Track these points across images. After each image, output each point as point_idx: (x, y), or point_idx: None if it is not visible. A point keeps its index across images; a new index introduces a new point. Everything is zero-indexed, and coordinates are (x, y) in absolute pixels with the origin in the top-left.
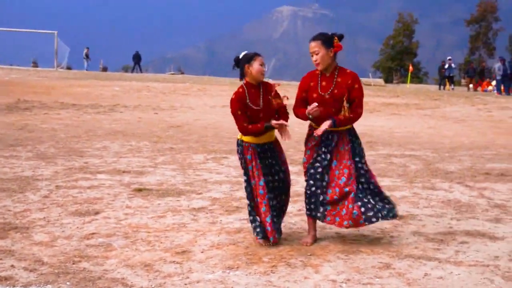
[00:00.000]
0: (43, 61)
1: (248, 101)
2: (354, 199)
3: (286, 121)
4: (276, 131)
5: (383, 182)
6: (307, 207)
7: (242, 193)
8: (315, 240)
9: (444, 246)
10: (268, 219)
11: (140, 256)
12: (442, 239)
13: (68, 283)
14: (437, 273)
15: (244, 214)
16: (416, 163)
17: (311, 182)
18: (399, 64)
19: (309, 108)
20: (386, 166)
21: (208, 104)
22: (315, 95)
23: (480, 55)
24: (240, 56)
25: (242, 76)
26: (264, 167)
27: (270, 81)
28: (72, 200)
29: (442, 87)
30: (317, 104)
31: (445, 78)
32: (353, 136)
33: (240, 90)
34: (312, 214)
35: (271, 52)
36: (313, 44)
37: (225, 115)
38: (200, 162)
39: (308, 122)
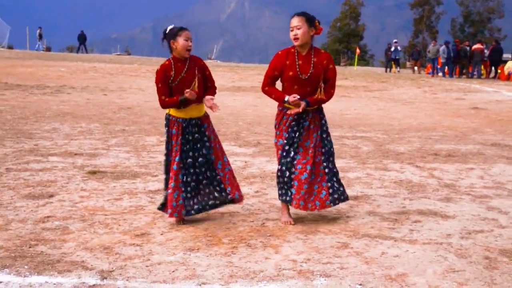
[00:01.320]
0: None
1: (173, 74)
2: (322, 181)
3: (213, 95)
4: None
5: (336, 164)
6: (279, 192)
7: None
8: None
9: (399, 225)
10: (175, 195)
11: (98, 239)
12: (397, 218)
13: (26, 266)
14: (393, 251)
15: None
16: (367, 144)
17: (283, 164)
18: (346, 46)
19: (291, 98)
20: (339, 148)
21: None
22: (291, 73)
23: (424, 38)
24: (167, 31)
25: (170, 51)
26: (185, 143)
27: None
28: (24, 183)
29: (388, 69)
30: (299, 97)
31: (391, 61)
32: (322, 113)
33: (166, 62)
34: (282, 198)
35: (218, 33)
36: (296, 19)
37: None
38: (154, 144)
39: (276, 103)
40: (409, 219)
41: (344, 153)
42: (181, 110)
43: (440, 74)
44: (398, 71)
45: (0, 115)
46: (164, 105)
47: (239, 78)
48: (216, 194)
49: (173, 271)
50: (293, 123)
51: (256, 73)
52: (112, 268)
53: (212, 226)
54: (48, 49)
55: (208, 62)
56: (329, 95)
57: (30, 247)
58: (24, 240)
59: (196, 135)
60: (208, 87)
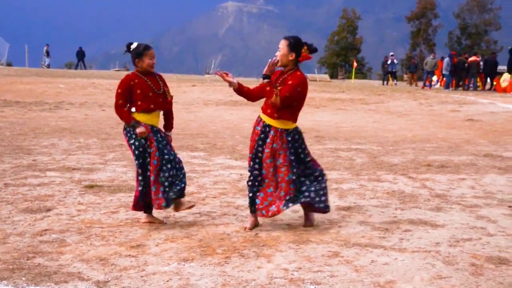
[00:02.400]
0: None
1: (136, 82)
2: (287, 187)
3: (170, 130)
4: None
5: (330, 175)
6: (248, 200)
7: (194, 189)
8: (256, 225)
9: (389, 235)
10: (154, 188)
11: (95, 251)
12: (387, 228)
13: (23, 278)
14: (383, 259)
15: (197, 207)
16: (362, 156)
17: (250, 175)
18: (344, 60)
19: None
20: (334, 160)
21: None
22: (268, 88)
23: (421, 50)
24: (132, 48)
25: (134, 65)
26: (158, 142)
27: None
28: (22, 198)
29: (385, 82)
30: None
31: (388, 74)
32: (289, 135)
33: (130, 73)
34: (251, 209)
35: (217, 48)
36: (282, 41)
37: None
38: None
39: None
40: (399, 228)
41: (338, 165)
42: (146, 117)
43: (437, 86)
44: (395, 84)
45: None
46: (118, 109)
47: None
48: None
49: (167, 281)
50: (259, 136)
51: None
52: (108, 279)
53: (207, 237)
54: (48, 66)
55: (206, 77)
56: (277, 95)
57: (27, 260)
58: (22, 253)
59: (160, 138)
60: (169, 117)
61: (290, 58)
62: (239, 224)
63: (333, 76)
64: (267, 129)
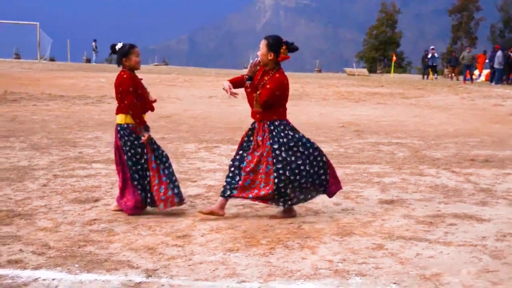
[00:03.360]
0: (25, 53)
1: (141, 84)
2: (267, 178)
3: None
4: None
5: (372, 169)
6: (222, 187)
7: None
8: (211, 213)
9: (434, 228)
10: (161, 190)
11: (142, 240)
12: (431, 221)
13: (76, 265)
14: (428, 252)
15: (240, 200)
16: (403, 150)
17: (231, 165)
18: (383, 54)
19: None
20: (375, 154)
21: (195, 94)
22: (249, 90)
23: (462, 44)
24: (117, 48)
25: (119, 64)
26: (152, 143)
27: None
28: (71, 189)
29: (425, 76)
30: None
31: (428, 68)
32: (274, 126)
33: (129, 74)
34: (221, 194)
35: (254, 42)
36: (262, 41)
37: (212, 106)
38: (193, 151)
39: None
40: (444, 222)
41: (380, 159)
42: (139, 118)
43: (479, 80)
44: (436, 78)
45: (45, 125)
46: (134, 108)
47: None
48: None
49: (214, 270)
50: (248, 132)
51: (292, 81)
52: (156, 267)
53: (251, 228)
54: (88, 60)
55: (244, 71)
56: (257, 100)
57: (79, 248)
58: (73, 241)
59: (153, 139)
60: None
61: (270, 58)
62: (282, 216)
63: (371, 70)
64: (254, 125)
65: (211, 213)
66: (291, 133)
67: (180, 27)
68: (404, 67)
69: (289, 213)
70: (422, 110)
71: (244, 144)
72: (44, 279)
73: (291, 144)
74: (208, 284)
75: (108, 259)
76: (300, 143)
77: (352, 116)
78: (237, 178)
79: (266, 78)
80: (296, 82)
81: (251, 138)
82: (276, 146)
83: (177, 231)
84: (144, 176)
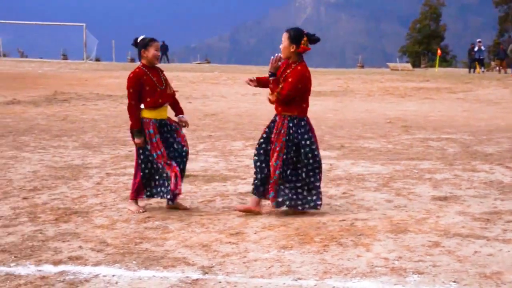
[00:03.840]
0: (72, 54)
1: (145, 78)
2: (275, 182)
3: (182, 113)
4: (169, 109)
5: (422, 165)
6: (252, 185)
7: None
8: (247, 211)
9: (491, 225)
10: (175, 180)
11: (197, 238)
12: (488, 218)
13: (134, 262)
14: (487, 250)
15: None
16: (453, 146)
17: (256, 160)
18: (426, 48)
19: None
20: (424, 150)
21: (239, 92)
22: (271, 86)
23: (510, 36)
24: (138, 40)
25: (139, 58)
26: (162, 140)
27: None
28: (124, 186)
29: (472, 70)
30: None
31: (475, 61)
32: (293, 122)
33: (137, 70)
34: (253, 192)
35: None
36: (283, 34)
37: (257, 103)
38: (240, 149)
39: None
40: (501, 219)
41: (430, 155)
42: (155, 112)
43: None
44: (483, 72)
45: (95, 124)
46: (131, 109)
47: (318, 83)
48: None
49: (269, 267)
50: (269, 126)
51: (335, 77)
52: (212, 264)
53: (303, 225)
54: (132, 60)
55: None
56: (279, 93)
57: (135, 245)
58: (130, 238)
59: (166, 134)
60: (176, 108)
61: (292, 50)
62: (333, 213)
63: (415, 65)
64: (275, 118)
65: (248, 210)
66: (306, 136)
67: (221, 25)
68: (449, 61)
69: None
70: (471, 104)
71: (265, 135)
72: (104, 275)
73: (300, 145)
74: (264, 282)
75: (164, 256)
76: (308, 148)
77: (398, 112)
78: (265, 170)
79: (288, 71)
80: (339, 78)
81: (272, 131)
82: (290, 144)
83: (230, 228)
84: (156, 169)
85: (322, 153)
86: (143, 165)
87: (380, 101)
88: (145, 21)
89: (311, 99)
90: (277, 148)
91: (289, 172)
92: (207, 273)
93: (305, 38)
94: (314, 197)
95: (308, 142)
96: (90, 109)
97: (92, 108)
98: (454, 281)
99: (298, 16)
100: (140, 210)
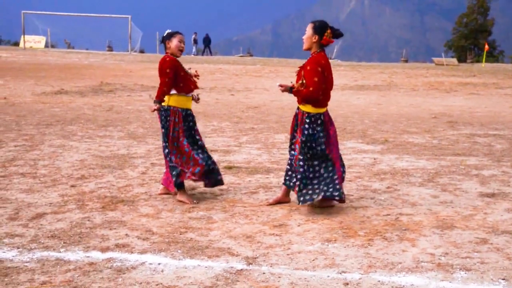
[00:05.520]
0: (117, 45)
1: (182, 67)
2: (297, 177)
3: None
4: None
5: (469, 161)
6: (284, 176)
7: None
8: (278, 202)
9: None
10: (196, 171)
11: (240, 229)
12: None
13: (179, 251)
14: None
15: None
16: (501, 142)
17: (289, 155)
18: (473, 43)
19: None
20: (470, 146)
21: None
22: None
23: None
24: (164, 34)
25: (165, 50)
26: (186, 129)
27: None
28: None
29: None
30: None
31: None
32: (310, 118)
33: (171, 57)
34: (285, 183)
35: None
36: (308, 25)
37: None
38: (283, 141)
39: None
40: None
41: (476, 151)
42: (184, 99)
43: None
44: None
45: (139, 115)
46: (161, 88)
47: (361, 77)
48: (220, 172)
49: (313, 260)
50: (294, 122)
51: (378, 71)
52: (256, 255)
53: (347, 219)
54: (195, 54)
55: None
56: (306, 90)
57: (180, 234)
58: (175, 228)
59: (191, 123)
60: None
61: (314, 40)
62: (377, 208)
63: (460, 59)
64: (297, 110)
65: (278, 202)
66: (321, 134)
67: (263, 18)
68: (496, 56)
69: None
70: None
71: (292, 134)
72: (150, 263)
73: (315, 141)
74: (308, 274)
75: (208, 246)
76: (323, 146)
77: (444, 107)
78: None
79: (308, 61)
80: (383, 72)
81: (294, 127)
82: (304, 139)
83: (273, 220)
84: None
85: (365, 147)
86: (174, 151)
87: (424, 96)
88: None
89: (354, 93)
90: (299, 140)
91: (305, 167)
92: (251, 263)
93: (328, 31)
94: (331, 188)
95: (323, 139)
96: (134, 100)
97: (137, 99)
98: (503, 279)
99: (342, 9)
100: (194, 201)
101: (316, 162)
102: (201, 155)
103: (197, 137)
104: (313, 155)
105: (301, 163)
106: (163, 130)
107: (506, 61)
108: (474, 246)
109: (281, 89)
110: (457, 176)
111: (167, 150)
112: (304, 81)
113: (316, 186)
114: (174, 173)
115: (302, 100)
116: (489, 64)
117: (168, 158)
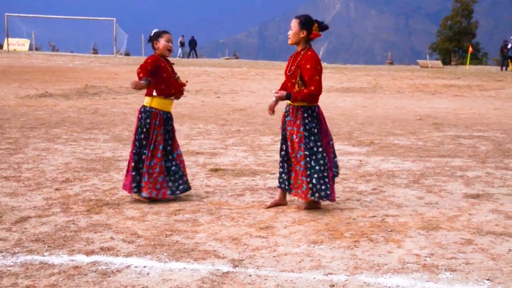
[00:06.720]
0: (102, 48)
1: (162, 65)
2: (302, 176)
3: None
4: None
5: (454, 163)
6: (278, 179)
7: None
8: (275, 205)
9: None
10: (160, 179)
11: (226, 231)
12: None
13: (165, 253)
14: None
15: None
16: (485, 144)
17: (280, 155)
18: (457, 45)
19: (274, 92)
20: (455, 147)
21: (267, 87)
22: (286, 68)
23: None
24: (151, 34)
25: (153, 51)
26: (165, 133)
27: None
28: None
29: (504, 67)
30: (276, 92)
31: (507, 59)
32: (308, 112)
33: (157, 56)
34: (280, 186)
35: (323, 35)
36: (293, 21)
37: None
38: (269, 143)
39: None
40: None
41: (461, 152)
42: (163, 102)
43: None
44: None
45: (125, 117)
46: (141, 70)
47: (347, 79)
48: (185, 179)
49: (300, 262)
50: (284, 119)
51: (364, 74)
52: (242, 258)
53: (333, 221)
54: (180, 56)
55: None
56: (307, 90)
57: (166, 237)
58: (160, 230)
59: (169, 127)
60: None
61: (302, 36)
62: (363, 209)
63: (445, 62)
64: (288, 108)
65: (276, 204)
66: (318, 127)
67: (249, 21)
68: (480, 59)
69: (313, 204)
70: (503, 102)
71: (283, 132)
72: (136, 266)
73: (315, 133)
74: (294, 276)
75: (194, 249)
76: (320, 136)
77: (429, 109)
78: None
79: (298, 58)
80: (368, 74)
81: (284, 126)
82: (306, 134)
83: (259, 222)
84: (143, 160)
85: (351, 149)
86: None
87: (410, 98)
88: (173, 17)
89: (339, 96)
90: (296, 140)
91: (313, 162)
92: (237, 266)
93: (315, 25)
94: (323, 186)
95: (313, 126)
96: (120, 103)
97: (122, 101)
98: (488, 279)
99: (327, 12)
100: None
101: (319, 156)
102: (171, 177)
103: (174, 145)
104: (317, 147)
105: (307, 159)
106: (138, 130)
107: (490, 63)
108: (459, 247)
109: (276, 96)
110: (442, 178)
111: (136, 152)
112: (299, 80)
113: (327, 180)
114: (138, 180)
115: (303, 100)
116: (473, 66)
117: (135, 162)
